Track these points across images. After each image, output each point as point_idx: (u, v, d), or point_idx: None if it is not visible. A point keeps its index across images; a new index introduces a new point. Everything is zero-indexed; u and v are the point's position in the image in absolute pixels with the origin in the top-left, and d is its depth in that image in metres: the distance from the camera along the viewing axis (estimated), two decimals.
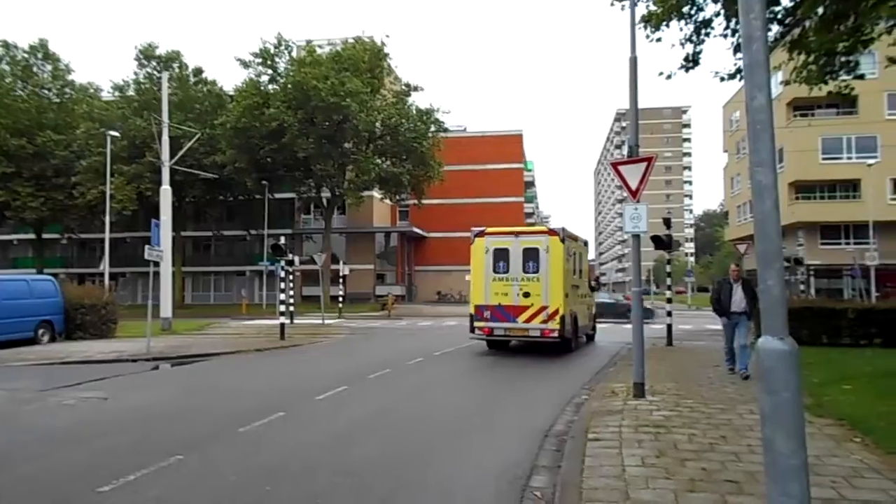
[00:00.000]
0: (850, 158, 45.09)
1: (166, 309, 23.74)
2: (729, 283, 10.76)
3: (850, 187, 45.63)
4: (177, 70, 44.26)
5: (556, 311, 14.57)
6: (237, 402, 9.32)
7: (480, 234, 15.94)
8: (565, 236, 15.17)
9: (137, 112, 40.66)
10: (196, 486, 5.33)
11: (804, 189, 46.01)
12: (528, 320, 14.78)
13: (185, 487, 5.29)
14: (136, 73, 44.49)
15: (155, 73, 42.98)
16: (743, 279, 10.72)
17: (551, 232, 15.41)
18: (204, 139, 37.94)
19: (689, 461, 5.41)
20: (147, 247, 15.48)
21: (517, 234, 15.61)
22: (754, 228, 2.92)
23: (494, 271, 15.28)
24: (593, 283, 19.83)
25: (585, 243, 18.41)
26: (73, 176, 41.76)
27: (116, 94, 45.31)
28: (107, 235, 31.01)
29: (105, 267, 30.86)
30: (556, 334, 14.59)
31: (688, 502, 4.42)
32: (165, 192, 24.64)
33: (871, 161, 41.58)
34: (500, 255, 15.27)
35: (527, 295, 14.82)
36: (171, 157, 26.03)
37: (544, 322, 14.63)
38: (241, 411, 8.28)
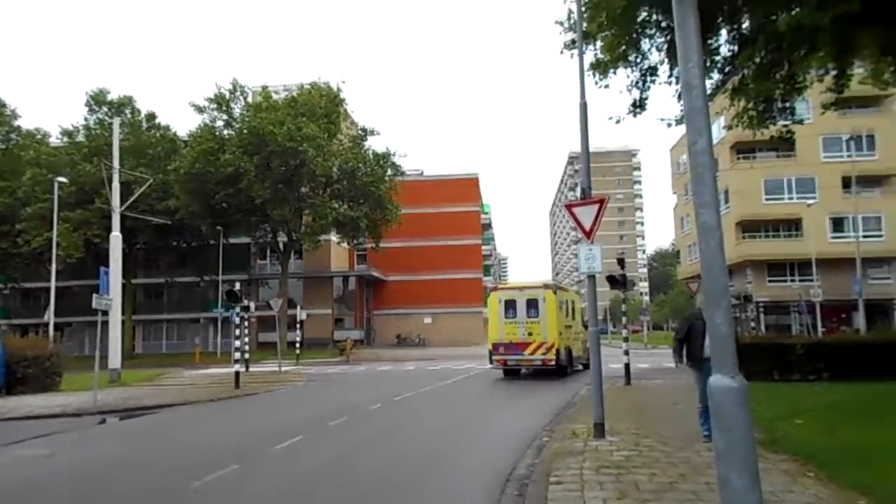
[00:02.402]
0: (791, 199, 47.17)
1: (115, 360, 22.89)
2: (701, 319, 8.29)
3: (792, 226, 47.57)
4: (129, 115, 43.67)
5: (553, 345, 19.24)
6: (188, 455, 8.98)
7: (494, 289, 21.61)
8: (557, 289, 20.55)
9: (87, 158, 39.82)
10: None
11: (750, 228, 47.70)
12: (533, 353, 19.53)
13: None
14: (86, 119, 43.74)
15: (106, 118, 42.29)
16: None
17: (546, 287, 20.45)
18: (157, 184, 37.32)
19: (650, 501, 5.42)
20: (95, 295, 14.99)
21: (521, 288, 20.66)
22: (701, 268, 3.01)
23: (505, 317, 19.96)
24: (586, 322, 22.90)
25: (578, 293, 24.00)
26: (18, 223, 40.41)
27: (65, 139, 44.33)
28: (52, 284, 29.94)
29: (50, 317, 29.72)
30: (553, 363, 19.32)
31: None
32: (115, 238, 24.01)
33: (810, 201, 43.56)
34: (510, 305, 20.01)
35: (530, 334, 19.54)
36: (122, 202, 25.48)
37: (544, 354, 19.35)
38: (192, 465, 7.97)
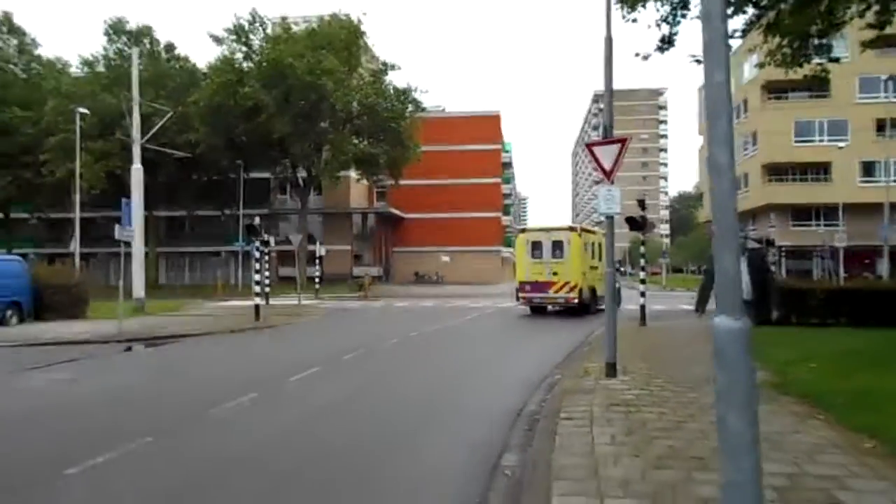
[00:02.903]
0: (821, 141, 45.83)
1: (139, 289, 23.40)
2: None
3: (821, 170, 46.38)
4: (148, 46, 43.24)
5: (576, 285, 20.27)
6: (208, 383, 9.26)
7: (522, 231, 23.11)
8: (582, 231, 21.45)
9: (107, 88, 39.65)
10: (163, 470, 5.29)
11: (776, 171, 46.68)
12: (557, 291, 20.56)
13: (151, 471, 5.25)
14: (105, 49, 43.37)
15: (125, 48, 41.87)
16: (749, 251, 7.52)
17: (571, 229, 21.57)
18: (177, 117, 37.18)
19: (658, 439, 5.49)
20: (117, 226, 15.23)
21: (548, 230, 21.65)
22: (712, 209, 2.93)
23: (532, 257, 20.97)
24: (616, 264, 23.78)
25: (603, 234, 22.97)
26: (41, 154, 40.73)
27: (85, 69, 44.12)
28: (76, 215, 30.41)
29: (75, 247, 30.30)
30: (575, 301, 20.34)
31: (655, 478, 4.48)
32: (136, 170, 24.15)
33: (841, 144, 42.27)
34: (536, 246, 21.11)
35: (555, 273, 20.53)
36: (143, 135, 25.50)
37: (568, 293, 20.40)
38: (211, 393, 8.22)
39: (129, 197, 19.98)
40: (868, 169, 44.95)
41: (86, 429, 6.58)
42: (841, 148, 41.87)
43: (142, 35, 43.26)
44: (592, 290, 20.98)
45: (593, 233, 23.19)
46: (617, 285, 20.24)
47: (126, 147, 29.87)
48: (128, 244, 16.36)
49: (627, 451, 5.18)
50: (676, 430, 5.82)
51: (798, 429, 5.75)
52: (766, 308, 7.15)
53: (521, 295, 21.38)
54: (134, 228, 17.40)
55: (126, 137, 28.03)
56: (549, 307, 21.64)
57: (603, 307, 20.65)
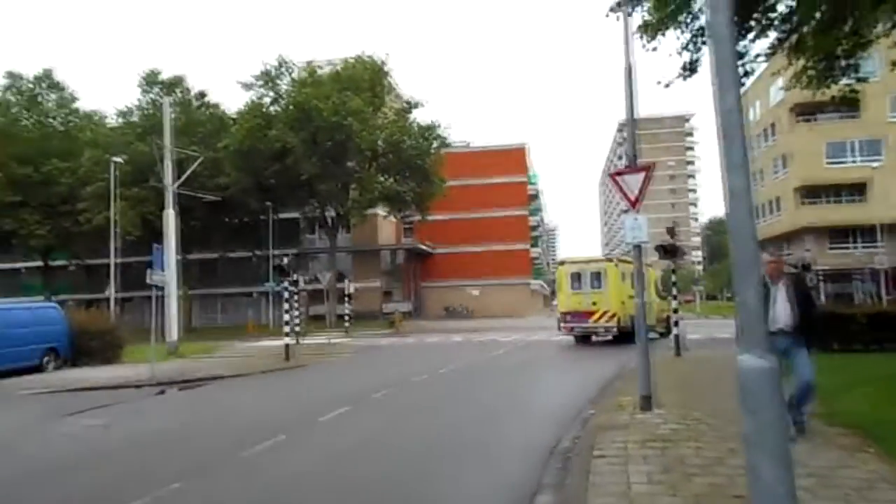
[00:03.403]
0: (854, 161, 44.86)
1: (172, 332, 23.69)
2: (766, 284, 6.32)
3: (855, 191, 45.29)
4: (180, 94, 44.58)
5: (615, 314, 20.69)
6: (239, 425, 9.23)
7: (562, 263, 24.15)
8: (619, 261, 21.71)
9: (141, 137, 40.82)
10: None
11: (810, 193, 45.76)
12: (597, 321, 21.08)
13: None
14: (139, 99, 44.89)
15: (158, 98, 43.23)
16: (792, 276, 6.75)
17: (608, 259, 22.71)
18: (208, 162, 38.05)
19: (696, 476, 5.27)
20: (149, 271, 15.47)
21: (587, 262, 22.71)
22: (729, 237, 2.80)
23: (572, 288, 21.79)
24: (663, 293, 23.71)
25: (649, 265, 23.17)
26: (79, 202, 41.95)
27: (120, 120, 45.66)
28: (112, 260, 31.09)
29: (111, 292, 30.90)
30: (615, 329, 20.87)
31: None
32: (169, 215, 24.69)
33: (876, 163, 41.34)
34: (576, 277, 21.93)
35: (594, 303, 21.05)
36: (175, 180, 26.12)
37: (607, 322, 20.92)
38: (241, 434, 8.18)
39: (162, 241, 20.39)
40: None
41: (117, 474, 6.58)
42: (875, 167, 40.98)
43: (174, 85, 44.66)
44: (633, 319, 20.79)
45: (630, 263, 23.09)
46: (668, 314, 19.98)
47: (159, 193, 30.65)
48: (161, 288, 16.60)
49: (664, 489, 4.97)
50: (717, 465, 5.59)
51: (847, 462, 5.47)
52: (812, 337, 6.48)
53: (562, 325, 22.11)
54: (166, 272, 17.69)
55: (159, 184, 28.76)
56: (594, 337, 22.39)
57: (652, 336, 21.00)
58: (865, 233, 42.62)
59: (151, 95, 44.46)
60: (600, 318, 20.97)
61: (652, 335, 20.67)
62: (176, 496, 5.67)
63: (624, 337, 20.18)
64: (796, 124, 45.80)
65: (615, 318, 20.68)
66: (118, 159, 33.18)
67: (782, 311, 6.33)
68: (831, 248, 45.29)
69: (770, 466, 2.49)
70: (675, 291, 18.33)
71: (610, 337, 21.60)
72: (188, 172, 28.73)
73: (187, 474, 6.33)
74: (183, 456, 7.42)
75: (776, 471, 2.48)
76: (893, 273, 37.88)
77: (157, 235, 26.97)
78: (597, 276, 21.50)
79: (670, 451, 6.17)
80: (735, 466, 5.51)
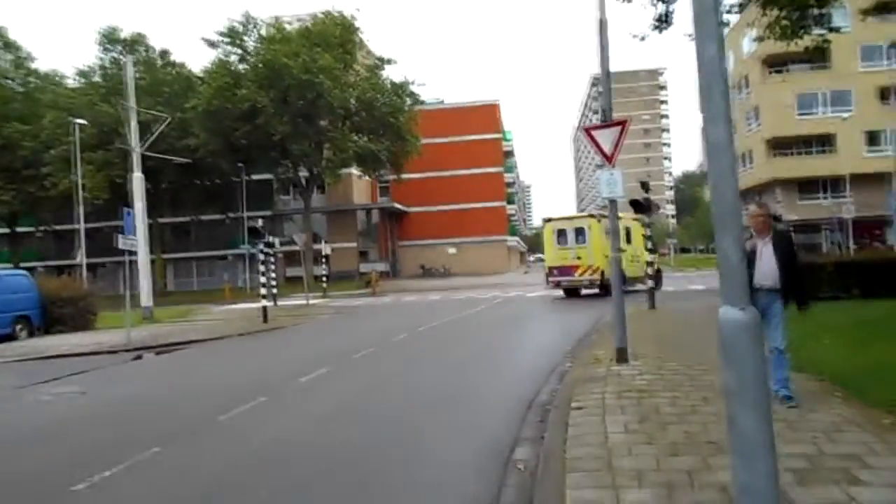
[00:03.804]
0: (824, 113, 45.35)
1: (146, 298, 23.43)
2: (751, 238, 6.12)
3: (825, 142, 45.92)
4: (143, 53, 43.18)
5: (598, 268, 21.64)
6: (218, 389, 9.21)
7: (548, 220, 24.30)
8: (601, 217, 21.27)
9: (104, 98, 39.62)
10: (173, 480, 5.23)
11: (781, 146, 46.30)
12: (581, 274, 22.25)
13: (162, 481, 5.20)
14: (100, 59, 43.37)
15: (120, 57, 41.85)
16: (776, 232, 6.19)
17: (591, 216, 23.21)
18: (175, 123, 37.18)
19: (672, 425, 5.40)
20: (119, 236, 15.17)
21: (570, 218, 23.92)
22: (710, 189, 2.75)
23: (557, 244, 22.86)
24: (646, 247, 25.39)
25: (638, 219, 23.11)
26: (43, 167, 40.78)
27: (81, 80, 44.14)
28: (81, 226, 30.46)
29: (81, 258, 30.36)
30: (598, 283, 21.87)
31: (670, 466, 4.39)
32: (137, 178, 24.14)
33: (845, 115, 41.79)
34: (561, 233, 22.92)
35: (578, 258, 22.21)
36: (142, 142, 25.49)
37: (591, 275, 22.03)
38: (221, 398, 8.17)
39: (131, 205, 19.98)
40: (873, 138, 44.49)
41: (96, 440, 6.54)
42: (845, 119, 41.46)
43: (136, 43, 43.18)
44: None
45: (620, 217, 23.49)
46: (657, 267, 20.55)
47: (126, 155, 29.89)
48: (133, 253, 16.32)
49: (641, 438, 5.09)
50: (691, 414, 5.72)
51: (815, 407, 5.64)
52: (799, 295, 6.12)
53: (549, 279, 23.41)
54: (137, 237, 17.35)
55: (125, 146, 28.01)
56: (582, 290, 23.53)
57: (632, 288, 22.12)
58: (834, 183, 43.39)
59: (113, 54, 42.98)
60: (584, 272, 22.11)
61: (641, 287, 21.97)
62: (156, 460, 5.67)
63: (608, 289, 19.96)
64: (768, 76, 45.99)
65: (598, 272, 21.68)
66: (81, 121, 32.17)
67: (768, 267, 5.95)
68: (801, 200, 46.08)
69: (750, 417, 2.53)
70: (649, 245, 18.55)
71: (595, 290, 22.52)
72: (155, 134, 28.00)
73: (167, 438, 6.32)
74: (162, 420, 7.40)
75: (756, 422, 2.52)
76: (861, 223, 38.73)
77: (126, 199, 26.41)
78: (580, 232, 22.51)
79: (646, 401, 6.30)
80: (708, 414, 5.66)
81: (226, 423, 6.94)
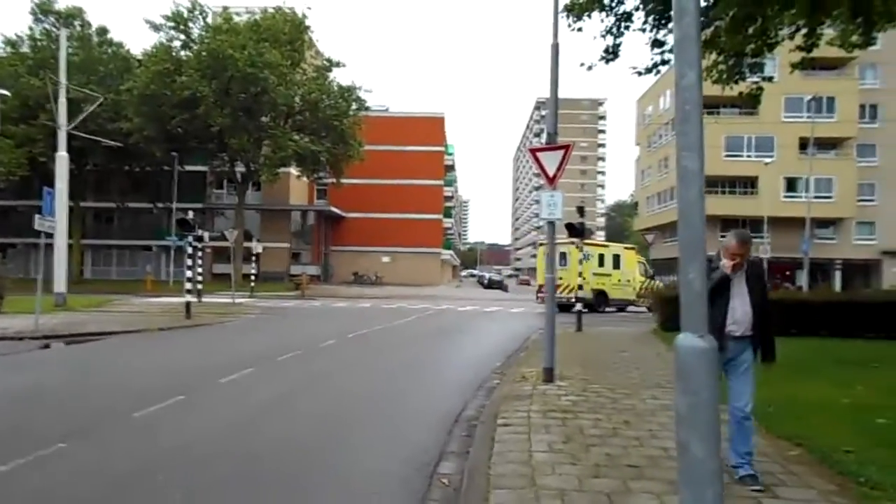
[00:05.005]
0: (749, 157, 48.00)
1: (60, 284, 22.19)
2: (722, 271, 4.88)
3: (748, 184, 48.52)
4: (78, 28, 41.19)
5: (572, 287, 23.62)
6: (133, 384, 8.79)
7: (541, 244, 26.71)
8: (581, 245, 22.41)
9: (32, 71, 37.52)
10: (78, 477, 4.94)
11: (708, 184, 48.41)
12: (562, 292, 24.86)
13: (65, 479, 4.89)
14: (31, 29, 41.07)
15: (53, 29, 39.84)
16: (751, 264, 5.04)
17: (572, 242, 23.42)
18: (108, 104, 35.59)
19: (594, 446, 5.51)
20: (37, 216, 14.35)
21: (557, 244, 23.95)
22: (679, 217, 2.76)
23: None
24: (641, 273, 28.25)
25: (631, 247, 29.26)
26: None
27: (8, 49, 41.68)
28: None
29: None
30: (573, 300, 22.21)
31: (592, 487, 4.47)
32: (61, 157, 22.91)
33: (767, 160, 44.23)
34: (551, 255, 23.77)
35: (561, 278, 24.72)
36: (70, 121, 24.25)
37: (568, 293, 24.71)
38: (136, 395, 7.80)
39: (52, 185, 18.94)
40: (791, 185, 47.33)
41: None
42: (767, 164, 43.87)
43: (72, 16, 41.13)
44: (599, 293, 26.30)
45: (606, 246, 28.60)
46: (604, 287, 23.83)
47: (51, 133, 28.34)
48: (49, 235, 15.43)
49: (565, 458, 5.17)
50: (613, 436, 5.86)
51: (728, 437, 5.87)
52: (767, 343, 5.00)
53: (538, 294, 26.84)
54: (56, 219, 16.45)
55: (51, 122, 26.57)
56: (573, 308, 25.30)
57: (612, 308, 26.44)
58: (754, 223, 45.73)
59: (45, 26, 40.80)
60: (564, 290, 25.11)
61: (634, 309, 26.69)
62: (61, 456, 5.35)
63: (567, 307, 23.96)
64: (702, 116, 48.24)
65: (572, 290, 24.17)
66: (4, 92, 30.30)
67: (742, 311, 4.80)
68: (722, 237, 48.15)
69: (700, 444, 2.56)
70: (580, 269, 18.98)
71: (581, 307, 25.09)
72: (85, 113, 26.75)
73: (74, 434, 5.98)
74: (69, 414, 6.99)
75: (705, 449, 2.55)
76: (775, 263, 40.91)
77: (47, 178, 25.02)
78: (563, 256, 25.37)
79: (570, 421, 6.41)
80: (629, 438, 5.81)
81: (139, 420, 6.63)
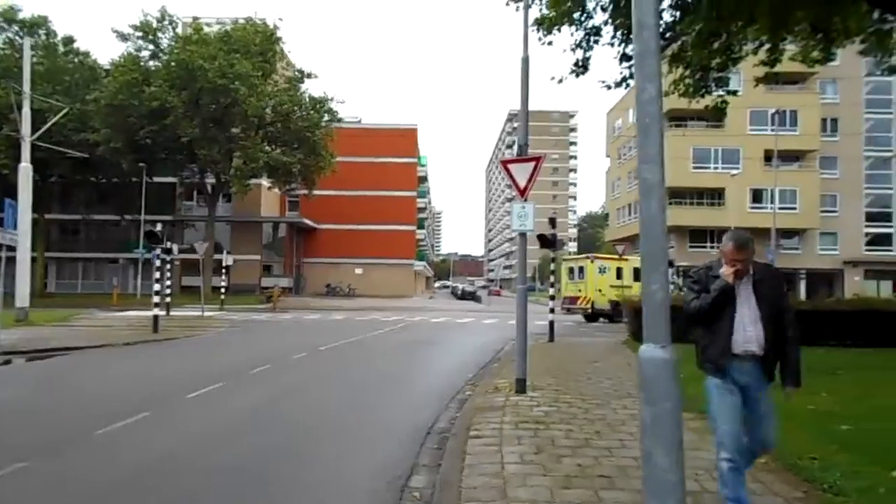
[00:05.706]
0: (716, 168, 49.02)
1: (23, 298, 21.62)
2: (723, 280, 3.99)
3: (716, 195, 49.49)
4: (43, 37, 40.47)
5: (589, 299, 27.34)
6: (97, 401, 8.58)
7: (564, 259, 31.66)
8: (595, 258, 28.59)
9: None
10: (38, 498, 4.79)
11: (677, 195, 49.31)
12: (580, 303, 27.84)
13: (24, 499, 4.74)
14: None
15: (17, 38, 39.06)
16: (761, 268, 4.19)
17: (587, 257, 29.12)
18: (74, 114, 34.94)
19: (566, 457, 5.52)
20: None
21: (576, 259, 30.89)
22: (640, 228, 2.77)
23: (569, 279, 29.10)
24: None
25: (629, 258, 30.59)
26: None
27: None
28: None
29: None
30: (589, 310, 27.41)
31: (563, 499, 4.47)
32: (24, 168, 22.40)
33: (734, 172, 45.18)
34: (571, 271, 29.21)
35: (579, 290, 28.02)
36: (34, 131, 23.75)
37: (584, 305, 27.66)
38: (100, 412, 7.61)
39: (15, 197, 18.50)
40: (757, 196, 48.39)
41: None
42: (734, 175, 44.81)
43: (36, 25, 40.40)
44: (615, 304, 26.80)
45: (625, 259, 28.81)
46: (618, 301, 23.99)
47: (14, 144, 27.71)
48: (11, 248, 15.04)
49: (536, 469, 5.16)
50: (584, 447, 5.87)
51: (699, 446, 5.93)
52: (793, 367, 4.04)
53: (563, 306, 28.04)
54: (19, 231, 16.05)
55: (14, 133, 25.97)
56: (600, 319, 27.44)
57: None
58: (721, 234, 46.46)
59: (8, 34, 40.00)
60: (582, 301, 27.54)
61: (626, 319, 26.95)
62: (22, 476, 5.19)
63: (594, 316, 27.33)
64: (669, 129, 49.10)
65: (589, 302, 27.39)
66: None
67: (750, 323, 3.93)
68: (690, 247, 49.20)
69: (663, 454, 2.59)
70: (552, 279, 19.09)
71: (605, 319, 27.22)
72: (49, 124, 26.21)
73: (36, 452, 5.80)
74: (31, 432, 6.79)
75: (669, 459, 2.58)
76: None
77: (9, 190, 24.43)
78: (580, 270, 27.92)
79: (542, 432, 6.42)
80: (601, 448, 5.84)
81: (102, 438, 6.46)
